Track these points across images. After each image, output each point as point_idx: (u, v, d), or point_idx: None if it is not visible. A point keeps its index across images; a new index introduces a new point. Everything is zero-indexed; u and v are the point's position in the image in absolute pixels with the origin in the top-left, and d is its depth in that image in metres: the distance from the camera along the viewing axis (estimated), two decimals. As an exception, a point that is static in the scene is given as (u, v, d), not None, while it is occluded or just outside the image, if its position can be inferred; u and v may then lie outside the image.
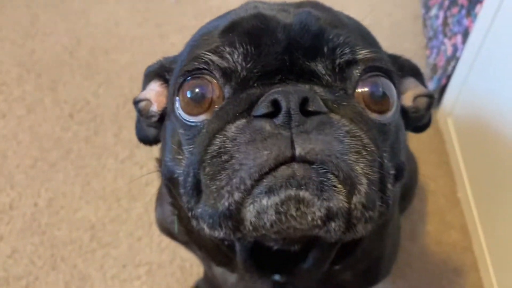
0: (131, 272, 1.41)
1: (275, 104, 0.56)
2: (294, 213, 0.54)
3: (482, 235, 1.42)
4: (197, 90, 0.63)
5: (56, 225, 1.50)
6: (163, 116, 0.79)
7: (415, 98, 0.80)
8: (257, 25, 0.63)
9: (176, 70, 0.74)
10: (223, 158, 0.56)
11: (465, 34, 1.57)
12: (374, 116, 0.64)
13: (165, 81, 0.79)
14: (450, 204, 1.58)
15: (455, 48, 1.62)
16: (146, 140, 0.88)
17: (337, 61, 0.62)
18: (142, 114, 0.81)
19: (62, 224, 1.50)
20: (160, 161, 0.86)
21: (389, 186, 0.63)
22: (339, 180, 0.55)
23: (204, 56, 0.63)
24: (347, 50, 0.62)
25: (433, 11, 1.93)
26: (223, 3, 2.25)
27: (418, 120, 0.82)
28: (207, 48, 0.64)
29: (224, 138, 0.57)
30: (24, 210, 1.53)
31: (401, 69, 0.78)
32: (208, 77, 0.63)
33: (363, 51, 0.63)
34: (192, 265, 1.42)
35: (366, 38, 0.71)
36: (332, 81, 0.62)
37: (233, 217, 0.56)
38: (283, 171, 0.54)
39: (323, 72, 0.62)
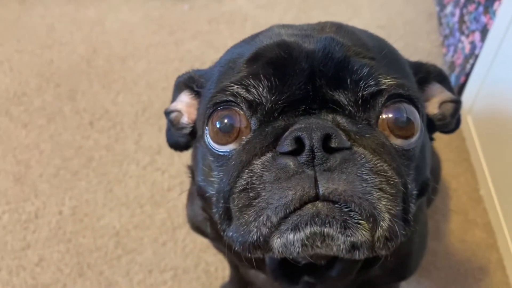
0: (157, 278, 1.42)
1: (299, 141, 0.58)
2: (319, 245, 0.58)
3: (507, 232, 1.42)
4: (225, 120, 0.65)
5: (81, 233, 1.51)
6: (194, 130, 0.81)
7: (441, 104, 0.80)
8: (280, 54, 0.64)
9: (205, 94, 0.76)
10: (251, 194, 0.59)
11: (484, 31, 1.56)
12: (398, 142, 0.65)
13: (195, 93, 0.81)
14: (472, 202, 1.58)
15: (474, 46, 1.62)
16: (177, 146, 0.89)
17: (360, 94, 0.62)
18: (174, 125, 0.83)
19: (87, 231, 1.51)
20: (191, 169, 0.87)
21: (412, 206, 0.65)
22: (362, 218, 0.57)
23: (230, 88, 0.64)
24: (371, 82, 0.62)
25: (449, 9, 1.93)
26: (236, 8, 2.26)
27: (444, 127, 0.81)
28: (233, 78, 0.65)
29: (251, 174, 0.60)
30: (49, 218, 1.55)
31: (427, 75, 0.79)
32: (236, 108, 0.65)
33: (387, 80, 0.63)
34: (217, 269, 1.43)
35: (390, 60, 0.70)
36: (355, 111, 0.63)
37: (262, 246, 0.60)
38: (308, 210, 0.56)
39: (346, 103, 0.62)
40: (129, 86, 1.93)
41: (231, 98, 0.64)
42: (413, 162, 0.66)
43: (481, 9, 1.60)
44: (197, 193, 0.77)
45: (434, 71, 0.80)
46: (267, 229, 0.58)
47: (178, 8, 2.29)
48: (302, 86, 0.62)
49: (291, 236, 0.57)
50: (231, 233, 0.63)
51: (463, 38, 1.73)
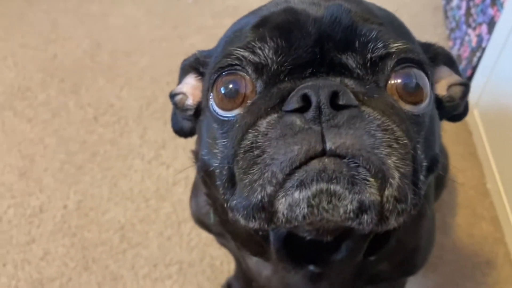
0: (162, 271, 1.41)
1: (306, 98, 0.56)
2: (326, 206, 0.55)
3: (515, 226, 1.41)
4: (230, 86, 0.64)
5: (86, 227, 1.51)
6: (198, 110, 0.80)
7: (449, 87, 0.79)
8: (287, 19, 0.64)
9: (210, 65, 0.75)
10: (255, 152, 0.57)
11: (491, 24, 1.55)
12: (407, 107, 0.63)
13: (200, 75, 0.80)
14: (479, 196, 1.57)
15: (480, 39, 1.60)
16: (182, 132, 0.89)
17: (369, 56, 0.62)
18: (178, 107, 0.82)
19: (92, 225, 1.51)
20: (196, 154, 0.87)
21: (422, 178, 0.63)
22: (371, 174, 0.54)
23: (236, 53, 0.63)
24: (379, 45, 0.61)
25: (455, 2, 1.91)
26: (241, 2, 2.25)
27: (453, 109, 0.80)
28: (239, 44, 0.64)
29: (256, 133, 0.58)
30: (54, 212, 1.54)
31: (435, 57, 0.77)
32: (241, 73, 0.64)
33: (396, 44, 0.62)
34: (222, 262, 1.42)
35: (399, 29, 0.70)
36: (363, 74, 0.62)
37: (266, 209, 0.57)
38: (314, 165, 0.54)
39: (354, 65, 0.61)
40: (133, 80, 1.93)
41: (236, 62, 0.63)
42: (422, 129, 0.65)
43: (488, 1, 1.59)
44: (201, 169, 0.76)
45: (443, 54, 0.79)
46: (272, 187, 0.55)
47: (182, 2, 2.28)
48: (309, 49, 0.61)
49: (296, 194, 0.55)
50: (234, 202, 0.61)
51: (469, 31, 1.72)
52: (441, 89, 0.78)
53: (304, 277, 0.88)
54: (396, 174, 0.56)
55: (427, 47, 0.78)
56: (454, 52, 1.85)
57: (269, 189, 0.56)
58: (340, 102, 0.56)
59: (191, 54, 0.83)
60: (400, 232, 0.82)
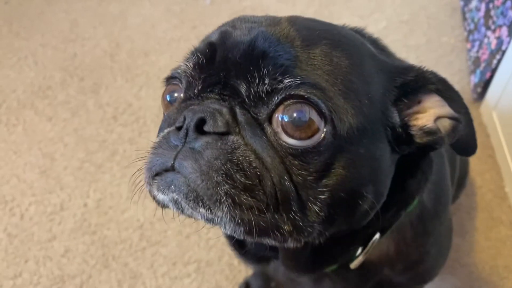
0: (181, 270, 1.43)
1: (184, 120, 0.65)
2: (184, 209, 0.65)
3: (534, 230, 1.40)
4: (174, 94, 0.73)
5: (105, 225, 1.53)
6: None
7: (437, 118, 0.71)
8: (217, 40, 0.68)
9: None
10: (150, 152, 0.68)
11: (511, 26, 1.54)
12: (291, 141, 0.63)
13: None
14: (497, 199, 1.56)
15: (500, 41, 1.59)
16: None
17: (256, 88, 0.64)
18: None
19: (111, 224, 1.53)
20: None
21: (311, 210, 0.64)
22: (195, 195, 0.62)
23: (179, 65, 0.71)
24: (266, 81, 0.63)
25: (473, 3, 1.90)
26: (257, 3, 2.26)
27: (433, 143, 0.72)
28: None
29: (158, 138, 0.68)
30: (74, 210, 1.57)
31: (422, 82, 0.70)
32: (179, 84, 0.72)
33: (287, 80, 0.62)
34: (240, 262, 1.43)
35: (318, 57, 0.66)
36: (251, 104, 0.65)
37: (151, 192, 0.69)
38: (166, 176, 0.64)
39: (244, 93, 0.65)
40: (151, 80, 1.95)
41: (176, 75, 0.71)
42: (320, 163, 0.63)
43: (508, 3, 1.58)
44: None
45: (434, 80, 0.71)
46: (148, 185, 0.68)
47: (200, 3, 2.30)
48: (217, 72, 0.66)
49: (160, 196, 0.65)
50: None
51: (489, 33, 1.71)
52: (427, 119, 0.71)
53: (309, 277, 0.92)
54: (227, 202, 0.61)
55: (405, 70, 0.71)
56: (472, 54, 1.85)
57: (147, 186, 0.69)
58: (205, 129, 0.63)
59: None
60: (400, 243, 0.88)
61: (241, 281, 1.39)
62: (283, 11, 2.20)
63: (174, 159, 0.63)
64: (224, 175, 0.61)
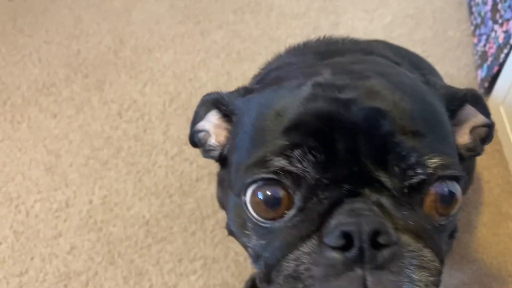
0: (186, 267, 1.43)
1: (347, 235, 0.57)
2: None
3: (542, 225, 1.39)
4: (269, 194, 0.63)
5: (111, 222, 1.53)
6: (222, 154, 0.80)
7: (473, 129, 0.75)
8: (322, 127, 0.61)
9: (239, 141, 0.72)
10: (298, 285, 0.59)
11: (519, 19, 1.52)
12: (440, 219, 0.64)
13: (223, 114, 0.79)
14: (505, 194, 1.55)
15: (508, 35, 1.58)
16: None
17: (407, 183, 0.60)
18: (201, 145, 0.83)
19: (117, 220, 1.53)
20: (220, 201, 0.89)
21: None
22: None
23: (271, 162, 0.61)
24: (419, 170, 0.60)
25: (480, -3, 1.88)
26: (262, -3, 2.25)
27: (473, 156, 0.76)
28: (273, 147, 0.62)
29: (298, 263, 0.59)
30: (79, 207, 1.57)
31: (461, 102, 0.74)
32: (279, 185, 0.63)
33: (434, 162, 0.60)
34: (246, 258, 1.43)
35: (434, 126, 0.66)
36: (399, 195, 0.61)
37: None
38: None
39: (391, 187, 0.60)
40: (156, 76, 1.94)
41: (274, 176, 0.61)
42: (447, 231, 0.66)
43: (516, -4, 1.56)
44: (227, 230, 0.78)
45: (468, 96, 0.74)
46: None
47: (203, -2, 2.28)
48: (347, 165, 0.60)
49: None
50: None
51: (496, 27, 1.69)
52: (464, 133, 0.74)
53: None
54: None
55: (453, 97, 0.73)
56: (479, 49, 1.83)
57: None
58: (381, 242, 0.56)
59: (213, 92, 0.82)
60: None
61: (247, 278, 1.38)
62: (287, 6, 2.18)
63: (364, 285, 0.56)
64: (425, 286, 0.58)
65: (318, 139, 0.60)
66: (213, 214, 1.51)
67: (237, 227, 0.71)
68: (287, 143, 0.61)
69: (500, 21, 1.67)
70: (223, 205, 1.07)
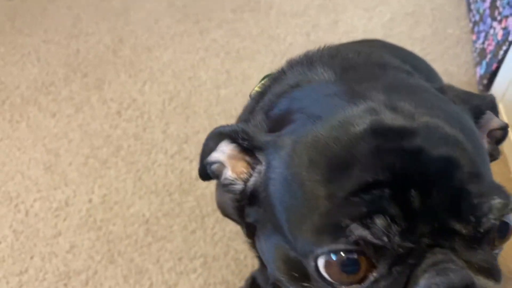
0: (186, 265, 1.43)
1: None
2: None
3: (542, 222, 1.39)
4: (346, 261, 0.58)
5: (111, 221, 1.53)
6: (245, 191, 0.72)
7: (490, 132, 0.74)
8: (398, 188, 0.57)
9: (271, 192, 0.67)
10: None
11: (518, 16, 1.52)
12: (496, 252, 0.64)
13: (240, 146, 0.72)
14: (505, 191, 1.55)
15: (507, 32, 1.58)
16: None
17: (482, 229, 0.59)
18: (215, 177, 0.76)
19: (117, 219, 1.53)
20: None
21: None
22: None
23: (351, 231, 0.56)
24: (491, 216, 0.59)
25: (479, -6, 1.88)
26: (261, -4, 2.25)
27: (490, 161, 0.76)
28: (346, 210, 0.57)
29: None
30: (79, 206, 1.57)
31: (484, 110, 0.73)
32: (360, 256, 0.59)
33: (498, 201, 0.59)
34: (246, 256, 1.43)
35: (480, 154, 0.65)
36: (471, 240, 0.60)
37: None
38: None
39: (465, 233, 0.59)
40: (155, 75, 1.94)
41: (355, 248, 0.57)
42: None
43: (515, -7, 1.56)
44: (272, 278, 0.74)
45: (489, 103, 0.73)
46: None
47: (202, -3, 2.28)
48: (428, 223, 0.57)
49: None
50: None
51: (495, 24, 1.69)
52: (484, 143, 0.73)
53: None
54: None
55: (477, 110, 0.72)
56: (477, 46, 1.83)
57: None
58: None
59: (226, 124, 0.75)
60: None
61: (247, 276, 1.38)
62: (287, 4, 2.18)
63: None
64: None
65: (398, 203, 0.56)
66: (213, 213, 1.51)
67: (288, 278, 0.66)
68: (365, 210, 0.56)
69: (498, 18, 1.67)
70: (224, 212, 1.05)
